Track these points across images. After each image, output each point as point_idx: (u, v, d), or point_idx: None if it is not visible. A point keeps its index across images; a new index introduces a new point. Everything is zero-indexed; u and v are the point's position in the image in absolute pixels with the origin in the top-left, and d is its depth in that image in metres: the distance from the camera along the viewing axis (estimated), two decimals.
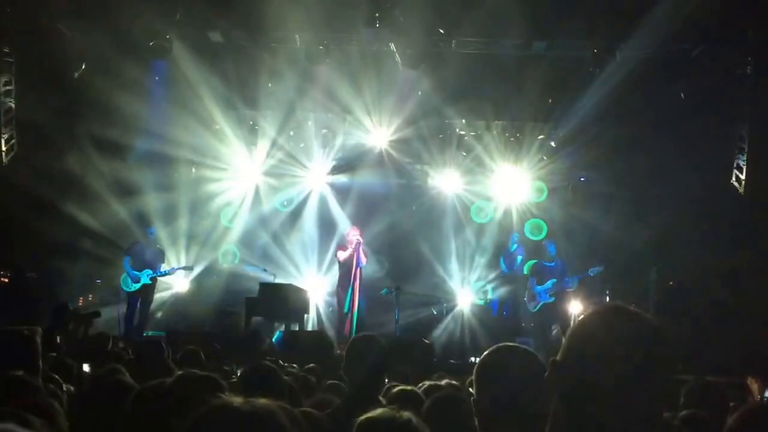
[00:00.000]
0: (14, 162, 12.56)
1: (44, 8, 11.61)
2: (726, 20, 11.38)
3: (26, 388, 3.15)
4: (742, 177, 12.17)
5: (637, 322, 1.58)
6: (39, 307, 11.26)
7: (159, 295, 13.43)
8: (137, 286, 11.77)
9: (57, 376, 4.97)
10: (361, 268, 11.90)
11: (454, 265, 14.05)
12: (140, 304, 11.87)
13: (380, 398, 3.84)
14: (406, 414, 2.26)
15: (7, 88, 12.33)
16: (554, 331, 12.05)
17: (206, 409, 1.40)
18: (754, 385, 6.25)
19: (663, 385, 1.56)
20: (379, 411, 2.32)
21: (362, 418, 2.30)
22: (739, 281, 11.39)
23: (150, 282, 11.88)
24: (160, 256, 12.22)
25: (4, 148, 12.37)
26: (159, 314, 13.41)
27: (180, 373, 2.89)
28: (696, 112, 12.25)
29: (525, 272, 12.76)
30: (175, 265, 12.84)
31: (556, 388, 1.60)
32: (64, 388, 4.62)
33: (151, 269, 11.87)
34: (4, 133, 12.34)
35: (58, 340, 9.50)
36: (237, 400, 1.39)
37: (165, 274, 12.19)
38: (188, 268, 12.88)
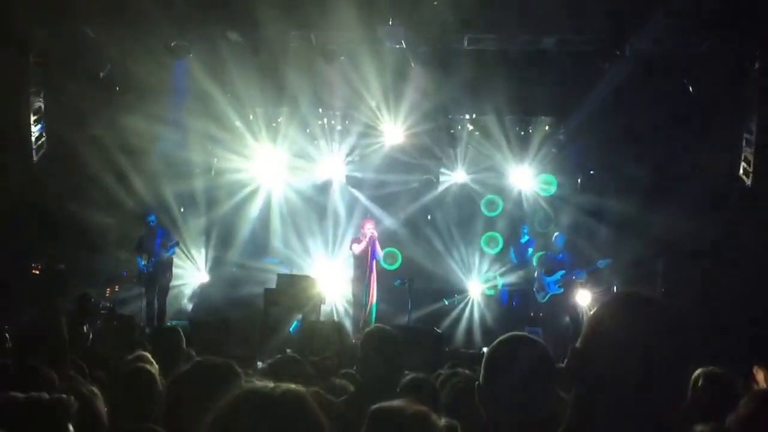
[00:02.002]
0: (44, 159, 12.94)
1: (70, 12, 11.99)
2: (733, 14, 11.49)
3: (50, 378, 3.27)
4: (750, 169, 12.25)
5: (656, 308, 1.58)
6: (68, 298, 11.67)
7: (182, 287, 13.81)
8: (143, 279, 12.21)
9: (85, 364, 5.30)
10: (376, 260, 12.12)
11: (465, 257, 14.33)
12: (156, 293, 12.24)
13: (393, 387, 3.90)
14: (421, 407, 2.24)
15: (36, 88, 12.71)
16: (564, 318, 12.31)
17: (240, 392, 1.46)
18: (760, 374, 6.35)
19: (682, 372, 1.57)
20: (394, 401, 2.29)
21: (376, 406, 2.27)
22: (748, 271, 11.43)
23: (153, 270, 12.18)
24: (168, 236, 12.51)
25: (34, 146, 12.73)
26: (181, 304, 13.80)
27: (197, 359, 2.96)
28: (704, 106, 12.32)
29: (534, 263, 13.02)
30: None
31: (576, 374, 1.60)
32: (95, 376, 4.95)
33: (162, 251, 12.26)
34: (34, 132, 12.70)
35: (85, 329, 9.91)
36: (268, 384, 1.47)
37: (164, 254, 12.35)
38: (176, 244, 12.81)
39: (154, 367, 4.36)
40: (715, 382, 4.51)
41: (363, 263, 12.10)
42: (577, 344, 1.62)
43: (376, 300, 12.00)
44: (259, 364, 6.66)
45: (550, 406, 2.22)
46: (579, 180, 14.40)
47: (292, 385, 1.49)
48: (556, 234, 12.63)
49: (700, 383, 4.68)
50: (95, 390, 3.14)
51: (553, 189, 14.27)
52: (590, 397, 1.57)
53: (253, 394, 1.44)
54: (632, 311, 1.59)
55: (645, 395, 1.51)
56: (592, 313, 1.70)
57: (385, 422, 2.21)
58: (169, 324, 11.72)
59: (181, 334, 5.81)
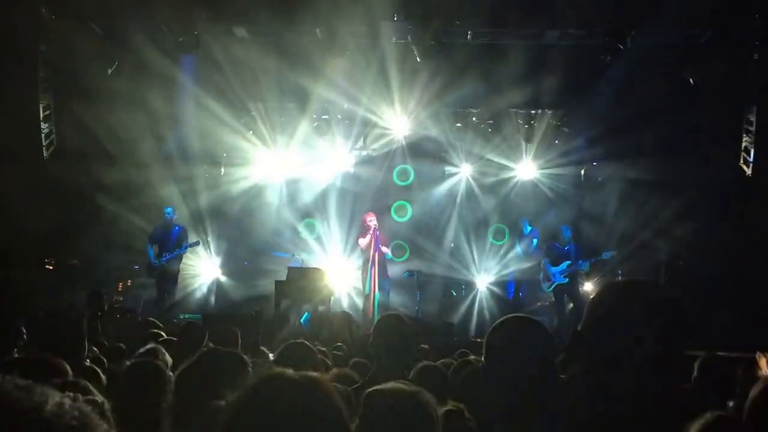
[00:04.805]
0: (54, 156, 13.09)
1: (78, 9, 12.15)
2: (734, 6, 11.62)
3: (62, 370, 3.19)
4: (750, 159, 12.40)
5: (652, 293, 1.63)
6: (81, 293, 11.82)
7: (194, 281, 13.95)
8: (155, 272, 12.30)
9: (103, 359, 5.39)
10: (379, 252, 12.28)
11: (472, 248, 14.48)
12: (165, 286, 12.33)
13: (405, 373, 3.94)
14: (415, 387, 2.27)
15: (45, 85, 12.83)
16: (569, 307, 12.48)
17: (259, 378, 1.47)
18: (762, 360, 6.51)
19: (679, 354, 1.59)
20: (388, 384, 2.32)
21: (370, 389, 2.29)
22: (749, 261, 11.59)
23: (167, 265, 12.28)
24: (183, 233, 12.61)
25: (44, 143, 12.87)
26: (194, 298, 13.95)
27: (204, 350, 3.05)
28: (705, 97, 12.44)
29: (539, 254, 13.18)
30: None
31: (577, 356, 1.65)
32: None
33: (176, 249, 12.38)
34: (44, 129, 12.85)
35: (98, 324, 10.05)
36: (288, 371, 1.47)
37: (177, 254, 12.48)
38: (196, 243, 12.99)
39: (167, 361, 4.58)
40: (716, 369, 4.75)
41: (368, 255, 12.34)
42: (578, 328, 1.66)
43: (384, 290, 12.20)
44: (270, 356, 6.77)
45: (550, 386, 2.23)
46: (582, 171, 14.55)
47: (312, 372, 1.49)
48: (562, 225, 12.77)
49: (700, 369, 4.84)
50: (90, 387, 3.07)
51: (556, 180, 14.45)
52: (590, 376, 1.61)
53: (272, 380, 1.45)
54: (630, 296, 1.64)
55: (643, 376, 1.54)
56: (591, 298, 1.75)
57: (379, 404, 2.22)
58: (182, 317, 11.88)
59: (203, 329, 5.99)
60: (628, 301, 1.62)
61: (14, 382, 0.88)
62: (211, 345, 6.10)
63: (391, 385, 2.30)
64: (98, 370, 4.23)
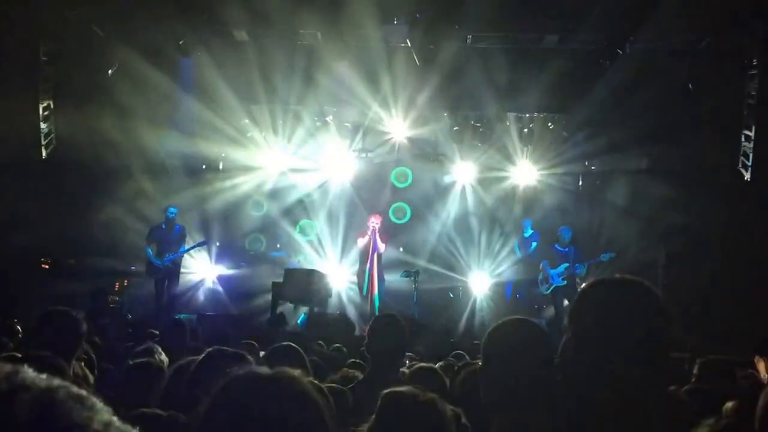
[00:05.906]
0: (53, 155, 13.07)
1: (79, 10, 12.16)
2: (732, 12, 11.64)
3: (60, 369, 3.20)
4: (749, 163, 12.39)
5: (634, 290, 1.62)
6: (78, 293, 11.80)
7: (191, 280, 13.93)
8: (159, 274, 12.20)
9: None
10: (378, 253, 12.30)
11: (470, 250, 14.51)
12: (166, 287, 12.25)
13: (400, 374, 4.01)
14: (431, 394, 2.27)
15: (45, 85, 12.80)
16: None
17: (233, 375, 1.46)
18: (761, 364, 6.48)
19: (664, 351, 1.56)
20: (405, 387, 2.32)
21: (388, 390, 2.28)
22: (748, 265, 11.57)
23: (171, 265, 12.21)
24: (184, 232, 12.54)
25: (43, 143, 12.87)
26: (190, 298, 13.91)
27: (209, 350, 2.98)
28: (703, 102, 12.48)
29: (537, 257, 13.17)
30: (191, 243, 12.81)
31: (568, 362, 1.64)
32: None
33: (176, 250, 12.30)
34: (43, 129, 12.83)
35: (96, 323, 10.04)
36: (262, 368, 1.47)
37: (182, 253, 12.45)
38: (202, 243, 13.00)
39: (164, 360, 4.61)
40: (714, 371, 4.71)
41: (366, 256, 12.36)
42: (564, 338, 1.69)
43: (378, 291, 12.18)
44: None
45: (548, 387, 2.22)
46: (580, 174, 14.56)
47: (285, 368, 1.47)
48: (562, 227, 12.78)
49: (699, 371, 4.84)
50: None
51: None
52: (579, 382, 1.60)
53: (243, 377, 1.44)
54: (610, 294, 1.64)
55: (628, 373, 1.52)
56: (574, 299, 1.73)
57: (396, 406, 2.23)
58: (178, 317, 11.79)
59: (186, 326, 5.95)
60: (607, 301, 1.61)
61: (68, 390, 0.88)
62: (194, 343, 6.10)
63: (408, 389, 2.30)
64: (87, 370, 4.26)
